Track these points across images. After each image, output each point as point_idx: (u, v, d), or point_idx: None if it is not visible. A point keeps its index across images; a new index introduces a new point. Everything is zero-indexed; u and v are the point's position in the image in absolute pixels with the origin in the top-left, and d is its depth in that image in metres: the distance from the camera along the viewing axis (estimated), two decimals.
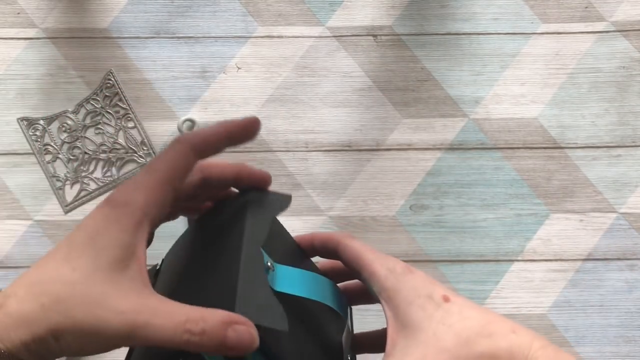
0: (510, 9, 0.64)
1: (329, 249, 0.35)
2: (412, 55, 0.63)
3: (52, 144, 0.62)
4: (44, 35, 0.63)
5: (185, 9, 0.64)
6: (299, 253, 0.36)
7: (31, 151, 0.62)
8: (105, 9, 0.64)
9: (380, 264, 0.31)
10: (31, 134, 0.62)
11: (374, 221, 0.61)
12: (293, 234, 0.37)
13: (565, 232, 0.61)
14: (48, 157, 0.62)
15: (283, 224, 0.37)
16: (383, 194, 0.62)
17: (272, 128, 0.62)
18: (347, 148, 0.62)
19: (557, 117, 0.62)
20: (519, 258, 0.61)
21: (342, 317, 0.34)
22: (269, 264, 0.31)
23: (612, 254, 0.61)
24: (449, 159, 0.62)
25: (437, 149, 0.62)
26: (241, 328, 0.25)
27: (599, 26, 0.63)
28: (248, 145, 0.62)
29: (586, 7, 0.64)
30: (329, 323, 0.34)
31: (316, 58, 0.63)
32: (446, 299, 0.29)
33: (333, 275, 0.38)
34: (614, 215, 0.61)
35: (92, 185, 0.62)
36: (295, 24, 0.64)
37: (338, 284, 0.38)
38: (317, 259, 0.37)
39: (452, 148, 0.62)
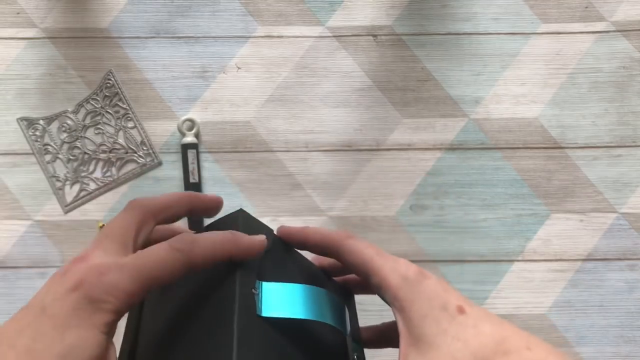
0: (511, 9, 0.63)
1: (327, 251, 0.32)
2: (412, 55, 0.63)
3: (51, 144, 0.62)
4: (44, 35, 0.63)
5: (185, 9, 0.64)
6: (284, 248, 0.33)
7: (31, 151, 0.62)
8: (105, 9, 0.64)
9: (391, 269, 0.29)
10: (31, 134, 0.62)
11: (374, 221, 0.61)
12: None
13: (565, 232, 0.61)
14: (48, 157, 0.62)
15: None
16: (383, 194, 0.62)
17: (272, 128, 0.62)
18: (347, 148, 0.62)
19: (557, 117, 0.62)
20: (519, 258, 0.61)
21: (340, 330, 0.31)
22: (253, 290, 0.28)
23: (612, 254, 0.61)
24: (449, 159, 0.62)
25: (438, 149, 0.62)
26: None
27: (599, 26, 0.63)
28: (249, 145, 0.62)
29: (586, 7, 0.64)
30: (328, 332, 0.32)
31: (316, 58, 0.63)
32: (461, 311, 0.28)
33: (330, 270, 0.36)
34: (614, 215, 0.61)
35: (92, 186, 0.61)
36: (295, 24, 0.64)
37: (336, 278, 0.36)
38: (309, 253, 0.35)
39: (452, 148, 0.62)
